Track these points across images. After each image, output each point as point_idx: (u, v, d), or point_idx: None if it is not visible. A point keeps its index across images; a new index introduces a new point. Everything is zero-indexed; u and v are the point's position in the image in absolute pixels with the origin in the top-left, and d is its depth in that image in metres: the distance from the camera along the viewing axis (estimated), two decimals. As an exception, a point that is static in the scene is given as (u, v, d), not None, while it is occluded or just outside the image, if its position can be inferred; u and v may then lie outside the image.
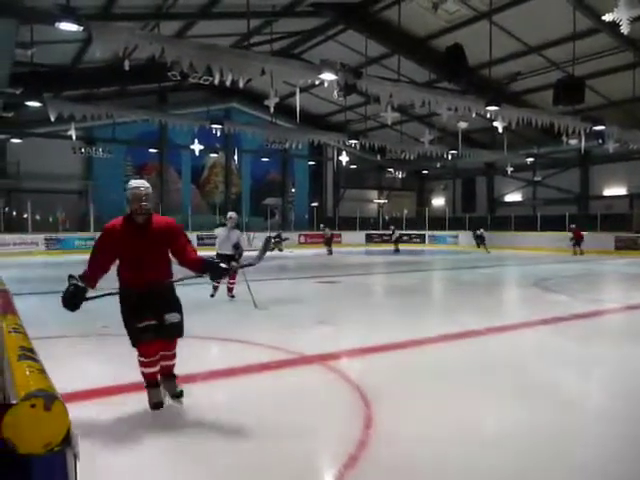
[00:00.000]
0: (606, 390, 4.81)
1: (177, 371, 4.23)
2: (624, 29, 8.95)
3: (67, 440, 0.98)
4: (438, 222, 34.28)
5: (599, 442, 3.54)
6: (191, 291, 11.47)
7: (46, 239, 24.51)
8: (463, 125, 19.40)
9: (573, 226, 24.95)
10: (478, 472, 3.08)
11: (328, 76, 11.92)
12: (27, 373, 1.17)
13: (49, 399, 0.98)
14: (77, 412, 3.95)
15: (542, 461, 3.20)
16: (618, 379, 5.07)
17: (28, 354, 1.35)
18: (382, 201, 39.94)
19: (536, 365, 5.46)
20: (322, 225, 29.13)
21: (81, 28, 9.76)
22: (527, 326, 7.45)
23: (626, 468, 3.14)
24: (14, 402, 1.00)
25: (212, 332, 6.93)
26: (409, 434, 3.61)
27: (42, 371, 1.18)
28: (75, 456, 1.03)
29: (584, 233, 24.01)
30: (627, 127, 19.26)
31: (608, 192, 29.20)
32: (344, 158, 31.23)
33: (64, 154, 25.18)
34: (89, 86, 22.88)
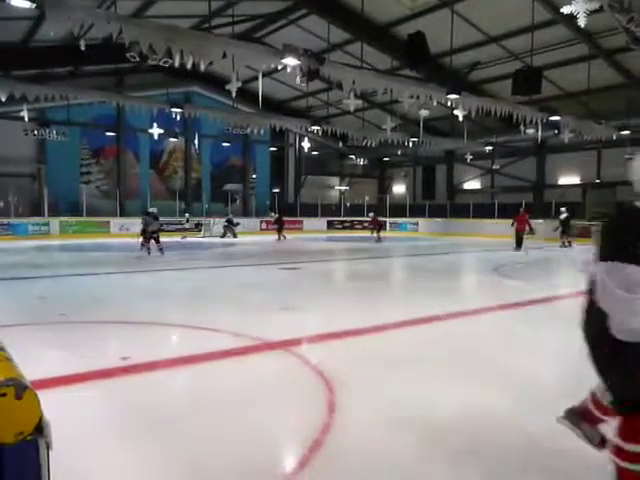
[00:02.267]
0: (561, 371, 4.99)
1: (138, 359, 4.18)
2: (581, 21, 9.17)
3: (39, 429, 0.96)
4: (399, 209, 34.65)
5: (549, 425, 3.68)
6: (146, 278, 11.34)
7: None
8: (424, 113, 19.57)
9: (371, 214, 26.24)
10: (440, 455, 3.16)
11: (291, 61, 11.82)
12: (-6, 362, 1.14)
13: (20, 388, 0.96)
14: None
15: (500, 443, 3.31)
16: (570, 361, 5.26)
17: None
18: (343, 188, 40.09)
19: (496, 349, 5.62)
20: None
21: (34, 5, 9.37)
22: (487, 311, 7.65)
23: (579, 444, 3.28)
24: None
25: (172, 319, 6.86)
26: (373, 418, 3.67)
27: (10, 360, 1.15)
28: (48, 445, 1.00)
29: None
30: (581, 118, 19.85)
31: (563, 181, 30.09)
32: (306, 144, 31.14)
33: (15, 136, 24.17)
34: (42, 66, 22.00)
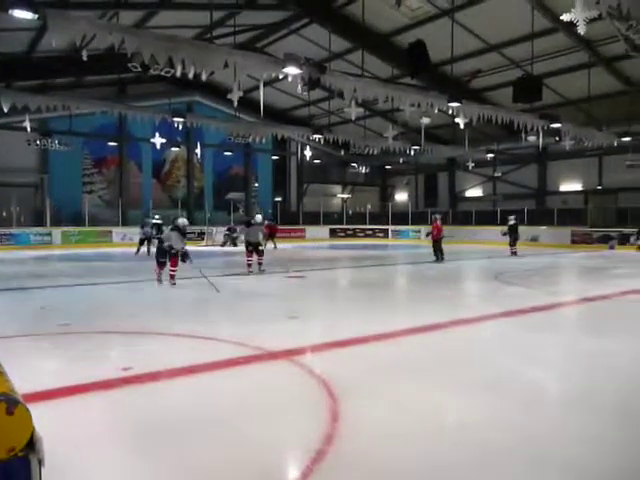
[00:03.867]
0: (562, 380, 4.94)
1: (140, 369, 4.15)
2: (580, 29, 9.17)
3: (31, 445, 0.94)
4: (401, 217, 34.62)
5: (560, 431, 3.64)
6: (150, 288, 11.32)
7: (-1, 234, 23.70)
8: (426, 121, 19.57)
9: (267, 222, 24.29)
10: (444, 465, 3.12)
11: (292, 70, 11.85)
12: (-14, 376, 1.12)
13: (11, 403, 0.93)
14: (36, 415, 3.84)
15: (505, 453, 3.27)
16: (576, 369, 5.23)
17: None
18: (346, 196, 40.09)
19: (499, 357, 5.58)
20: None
21: (36, 16, 9.40)
22: (490, 319, 7.61)
23: (584, 450, 3.24)
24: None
25: (174, 328, 6.83)
26: (376, 428, 3.63)
27: (2, 374, 1.13)
28: (40, 461, 0.98)
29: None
30: (582, 125, 19.86)
31: (564, 188, 30.07)
32: (308, 153, 31.16)
33: (18, 146, 24.29)
34: (44, 76, 22.16)
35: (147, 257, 15.61)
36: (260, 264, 13.52)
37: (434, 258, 17.13)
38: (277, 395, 4.34)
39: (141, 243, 20.04)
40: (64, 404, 4.09)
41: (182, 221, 11.57)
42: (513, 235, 20.00)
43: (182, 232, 11.33)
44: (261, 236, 14.38)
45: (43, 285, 11.21)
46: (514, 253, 19.70)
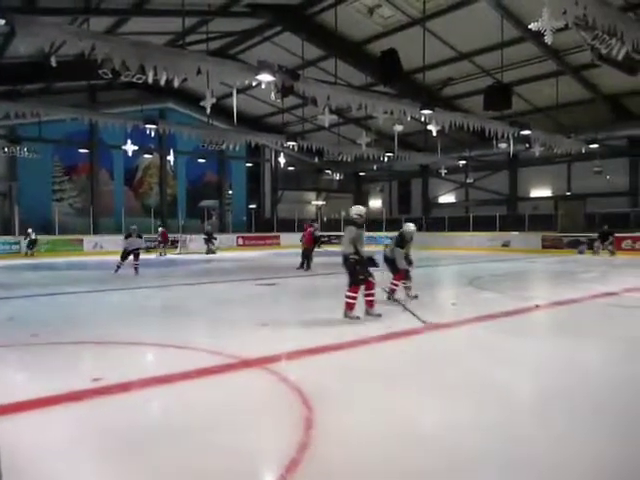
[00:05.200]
0: (536, 384, 5.01)
1: (111, 380, 4.07)
2: (548, 39, 9.37)
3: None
4: (375, 224, 34.82)
5: (535, 433, 3.68)
6: (120, 296, 11.14)
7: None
8: (399, 128, 19.75)
9: (160, 229, 26.27)
10: (418, 471, 3.13)
11: (265, 77, 11.83)
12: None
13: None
14: (3, 427, 3.73)
15: (481, 457, 3.30)
16: (546, 373, 5.30)
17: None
18: (320, 203, 40.17)
19: (473, 362, 5.63)
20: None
21: (3, 21, 9.22)
22: (464, 324, 7.67)
23: (560, 452, 3.28)
24: None
25: (147, 338, 6.73)
26: (351, 435, 3.63)
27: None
28: (-1, 476, 0.95)
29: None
30: (551, 132, 20.26)
31: (535, 194, 30.64)
32: (282, 160, 31.16)
33: (-15, 153, 23.79)
34: (12, 82, 21.67)
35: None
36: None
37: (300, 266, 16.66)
38: (251, 403, 4.30)
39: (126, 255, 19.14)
40: (32, 416, 3.98)
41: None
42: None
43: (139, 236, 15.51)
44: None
45: (11, 295, 10.94)
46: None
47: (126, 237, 15.50)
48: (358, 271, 7.71)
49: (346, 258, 7.78)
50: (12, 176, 27.05)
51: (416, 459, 3.26)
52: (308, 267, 16.62)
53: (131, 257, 15.15)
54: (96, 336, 6.79)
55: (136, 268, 15.06)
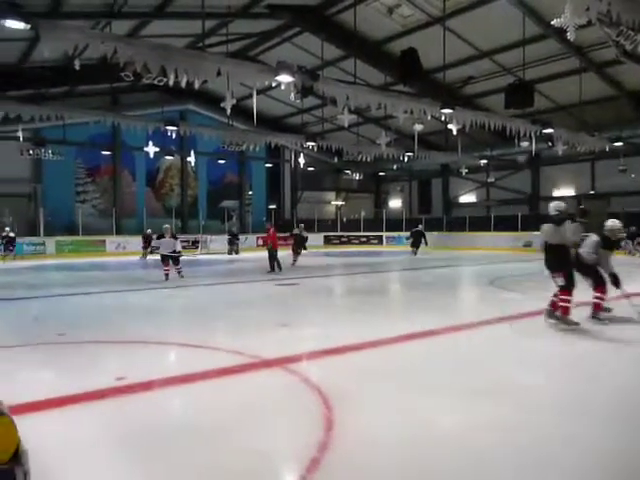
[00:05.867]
0: (558, 386, 4.94)
1: (134, 379, 4.13)
2: (570, 35, 9.23)
3: (16, 457, 0.92)
4: (395, 223, 34.69)
5: (555, 437, 3.63)
6: (144, 296, 11.27)
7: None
8: (418, 127, 19.68)
9: (149, 231, 23.16)
10: (440, 471, 3.11)
11: (285, 78, 11.87)
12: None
13: (-4, 414, 0.92)
14: (30, 425, 3.80)
15: (502, 459, 3.26)
16: (572, 374, 5.23)
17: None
18: (340, 203, 40.14)
19: (494, 363, 5.57)
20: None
21: (28, 26, 9.40)
22: (485, 324, 7.60)
23: (579, 463, 3.23)
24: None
25: (169, 337, 6.79)
26: (371, 435, 3.62)
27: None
28: (25, 474, 0.97)
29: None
30: (574, 130, 19.97)
31: (557, 193, 30.19)
32: (301, 160, 31.21)
33: (11, 156, 24.19)
34: (37, 86, 22.10)
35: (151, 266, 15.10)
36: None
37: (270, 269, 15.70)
38: (271, 403, 4.32)
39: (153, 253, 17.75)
40: (56, 415, 4.05)
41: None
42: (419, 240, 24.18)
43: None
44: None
45: (36, 295, 11.15)
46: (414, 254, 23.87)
47: (158, 237, 14.19)
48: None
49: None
50: (37, 178, 27.56)
51: (436, 460, 3.24)
52: (279, 268, 15.75)
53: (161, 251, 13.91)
54: (119, 336, 6.88)
55: (179, 271, 13.96)
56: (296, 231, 19.29)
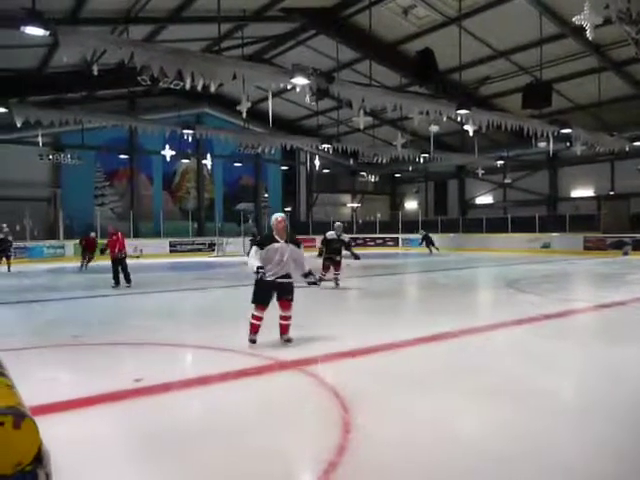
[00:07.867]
0: (576, 390, 4.87)
1: (151, 380, 4.15)
2: (589, 34, 9.14)
3: (39, 459, 0.93)
4: (411, 225, 34.55)
5: (573, 441, 3.58)
6: (159, 299, 11.34)
7: (13, 248, 23.80)
8: (434, 129, 19.59)
9: (92, 234, 19.76)
10: (460, 476, 3.08)
11: (300, 81, 11.91)
12: (-5, 389, 1.11)
13: (18, 417, 0.93)
14: (48, 426, 3.84)
15: (520, 462, 3.22)
16: (591, 377, 5.15)
17: (-5, 368, 1.29)
18: (355, 205, 40.10)
19: (512, 366, 5.51)
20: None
21: (48, 32, 9.54)
22: (502, 327, 7.53)
23: (599, 468, 3.18)
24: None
25: (185, 339, 6.83)
26: (388, 438, 3.59)
27: (11, 387, 1.12)
28: (47, 475, 0.97)
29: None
30: (593, 130, 19.72)
31: (576, 194, 29.85)
32: (317, 162, 31.28)
33: (31, 161, 24.62)
34: (56, 91, 22.42)
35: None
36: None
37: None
38: (288, 405, 4.31)
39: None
40: (75, 416, 4.09)
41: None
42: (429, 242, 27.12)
43: None
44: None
45: (56, 297, 11.28)
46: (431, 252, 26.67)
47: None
48: None
49: None
50: (56, 182, 27.97)
51: (456, 463, 3.20)
52: (128, 281, 12.92)
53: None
54: (136, 337, 6.93)
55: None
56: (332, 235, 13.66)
